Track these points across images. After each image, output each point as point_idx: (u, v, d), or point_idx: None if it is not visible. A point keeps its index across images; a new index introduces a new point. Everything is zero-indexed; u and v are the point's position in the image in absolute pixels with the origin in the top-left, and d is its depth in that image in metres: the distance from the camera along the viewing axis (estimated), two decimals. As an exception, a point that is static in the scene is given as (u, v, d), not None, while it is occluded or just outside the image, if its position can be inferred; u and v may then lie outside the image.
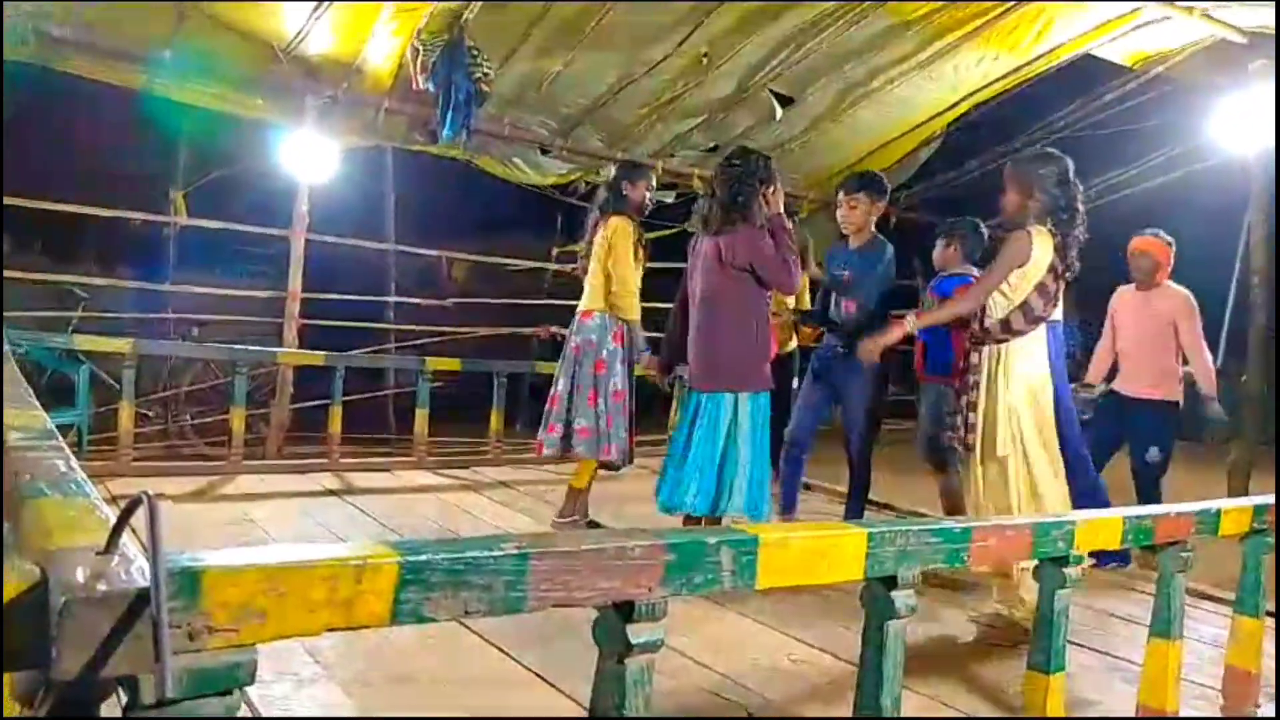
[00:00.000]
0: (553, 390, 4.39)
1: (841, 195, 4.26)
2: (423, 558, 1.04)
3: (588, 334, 4.29)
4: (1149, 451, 4.60)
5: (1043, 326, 3.33)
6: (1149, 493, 4.57)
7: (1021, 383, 3.28)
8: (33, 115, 7.16)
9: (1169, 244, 4.86)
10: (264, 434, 6.30)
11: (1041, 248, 3.23)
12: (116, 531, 0.90)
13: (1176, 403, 4.77)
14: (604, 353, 4.26)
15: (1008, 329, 3.27)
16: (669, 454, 3.94)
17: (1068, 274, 3.31)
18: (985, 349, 3.33)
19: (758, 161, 3.80)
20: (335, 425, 5.78)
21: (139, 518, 0.90)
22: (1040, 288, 3.25)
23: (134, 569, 0.87)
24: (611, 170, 4.50)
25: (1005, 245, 3.28)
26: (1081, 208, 3.33)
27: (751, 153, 3.90)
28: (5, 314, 4.74)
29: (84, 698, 0.85)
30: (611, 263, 4.23)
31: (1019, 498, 3.24)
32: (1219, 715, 2.59)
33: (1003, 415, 3.26)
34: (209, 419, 7.23)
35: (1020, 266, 3.23)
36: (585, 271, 4.45)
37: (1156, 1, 5.38)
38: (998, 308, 3.31)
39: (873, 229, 4.24)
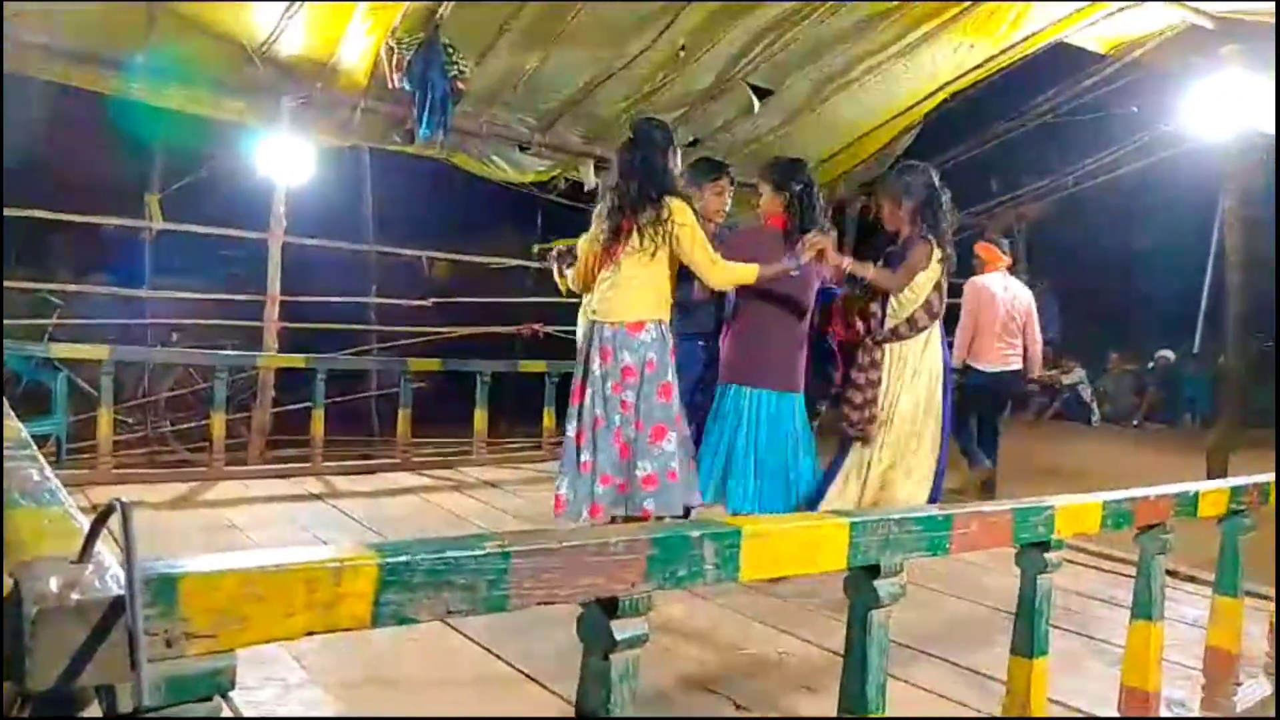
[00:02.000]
0: (582, 425, 3.46)
1: (714, 181, 4.16)
2: (403, 559, 1.04)
3: (644, 352, 3.41)
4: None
5: (938, 320, 3.79)
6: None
7: (927, 374, 3.68)
8: (4, 122, 7.07)
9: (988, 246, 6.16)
10: (245, 438, 6.25)
11: (935, 253, 3.71)
12: (90, 540, 0.89)
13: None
14: (670, 375, 3.46)
15: (914, 327, 3.69)
16: (717, 454, 3.74)
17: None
18: (888, 347, 3.71)
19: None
20: (317, 428, 5.75)
21: (115, 525, 0.89)
22: (937, 286, 3.71)
23: (109, 577, 0.86)
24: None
25: (911, 253, 3.71)
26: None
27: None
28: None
29: (62, 707, 0.84)
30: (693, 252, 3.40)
31: (900, 475, 3.71)
32: (1200, 694, 2.62)
33: (909, 407, 3.66)
34: (189, 424, 7.18)
35: (924, 270, 3.69)
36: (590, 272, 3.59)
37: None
38: (902, 308, 3.71)
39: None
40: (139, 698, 0.79)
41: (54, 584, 0.82)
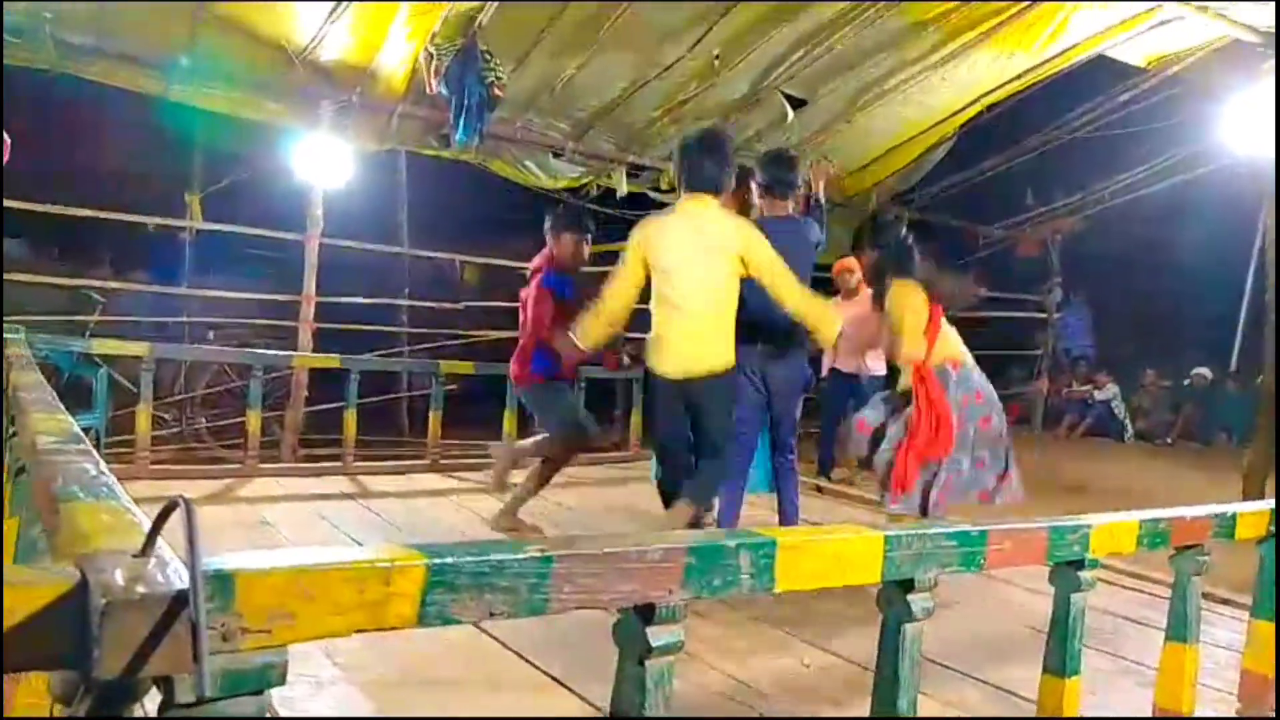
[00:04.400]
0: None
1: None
2: (449, 560, 1.06)
3: None
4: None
5: None
6: None
7: None
8: (49, 121, 7.23)
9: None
10: (279, 437, 6.34)
11: None
12: (153, 534, 0.92)
13: None
14: None
15: None
16: None
17: None
18: None
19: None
20: (350, 428, 5.81)
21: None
22: None
23: (170, 571, 0.89)
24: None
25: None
26: None
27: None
28: (23, 318, 4.80)
29: (122, 697, 0.87)
30: None
31: None
32: (1235, 717, 2.58)
33: None
34: (225, 422, 7.29)
35: None
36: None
37: (1170, 0, 5.37)
38: None
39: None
40: (201, 689, 0.82)
41: (119, 577, 0.84)
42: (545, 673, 2.71)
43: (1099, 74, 7.00)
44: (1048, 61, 6.51)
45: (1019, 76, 6.73)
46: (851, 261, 6.13)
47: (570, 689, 2.60)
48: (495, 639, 2.89)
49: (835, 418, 6.31)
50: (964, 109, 7.21)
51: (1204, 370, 11.36)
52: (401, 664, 2.69)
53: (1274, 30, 5.07)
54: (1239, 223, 10.01)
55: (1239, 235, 10.55)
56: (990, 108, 7.25)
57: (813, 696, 2.74)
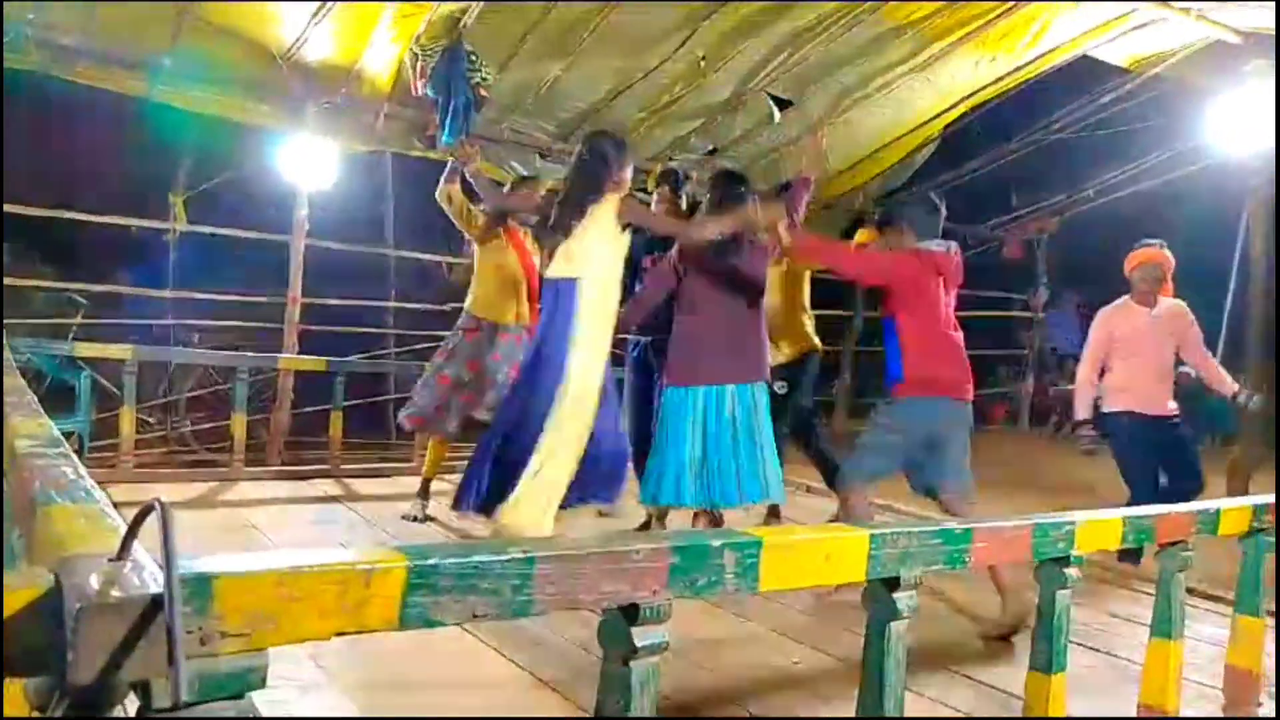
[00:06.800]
0: None
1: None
2: (430, 562, 1.06)
3: None
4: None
5: None
6: None
7: None
8: (32, 122, 7.17)
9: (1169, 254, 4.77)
10: (264, 439, 6.30)
11: None
12: (129, 538, 0.91)
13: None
14: None
15: None
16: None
17: None
18: None
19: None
20: (336, 431, 5.79)
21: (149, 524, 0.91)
22: None
23: (146, 575, 0.88)
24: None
25: None
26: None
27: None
28: (6, 322, 4.76)
29: (98, 702, 0.86)
30: None
31: None
32: (1220, 714, 2.60)
33: None
34: (210, 424, 7.24)
35: None
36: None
37: (1151, 1, 5.40)
38: None
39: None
40: (177, 694, 0.81)
41: (94, 581, 0.83)
42: (531, 673, 2.70)
43: (1083, 74, 7.03)
44: (1030, 63, 6.54)
45: (1002, 78, 6.76)
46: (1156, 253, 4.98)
47: (556, 690, 2.59)
48: (480, 639, 2.88)
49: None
50: (948, 110, 7.23)
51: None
52: (388, 665, 2.67)
53: (1270, 30, 5.10)
54: (1222, 222, 10.08)
55: (1223, 235, 10.62)
56: (974, 109, 7.28)
57: (801, 694, 2.74)
